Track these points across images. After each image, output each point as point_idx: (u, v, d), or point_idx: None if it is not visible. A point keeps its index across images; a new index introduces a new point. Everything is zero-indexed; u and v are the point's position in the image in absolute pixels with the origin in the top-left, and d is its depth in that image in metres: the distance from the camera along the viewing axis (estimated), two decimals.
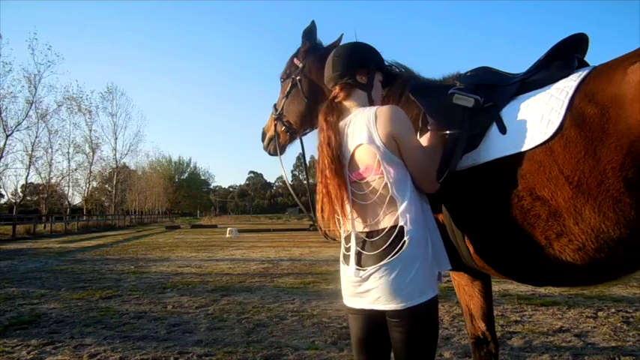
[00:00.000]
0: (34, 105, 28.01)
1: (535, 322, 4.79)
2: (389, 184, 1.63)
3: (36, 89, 27.83)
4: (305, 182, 2.81)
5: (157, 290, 6.96)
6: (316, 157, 1.86)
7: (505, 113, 1.78)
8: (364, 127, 1.68)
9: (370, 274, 1.62)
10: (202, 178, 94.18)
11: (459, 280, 2.17)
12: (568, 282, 1.84)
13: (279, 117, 2.58)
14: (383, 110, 1.68)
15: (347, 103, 1.83)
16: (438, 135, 1.84)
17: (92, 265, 10.31)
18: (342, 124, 1.78)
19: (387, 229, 1.63)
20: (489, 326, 2.12)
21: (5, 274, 9.03)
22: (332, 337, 4.31)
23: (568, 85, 1.66)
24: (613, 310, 5.21)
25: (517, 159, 1.67)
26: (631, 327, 4.52)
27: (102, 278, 8.30)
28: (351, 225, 1.71)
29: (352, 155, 1.71)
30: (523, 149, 1.65)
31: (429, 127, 1.89)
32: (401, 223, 1.61)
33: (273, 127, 2.62)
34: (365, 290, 1.64)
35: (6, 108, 25.99)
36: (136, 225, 43.49)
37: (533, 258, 1.69)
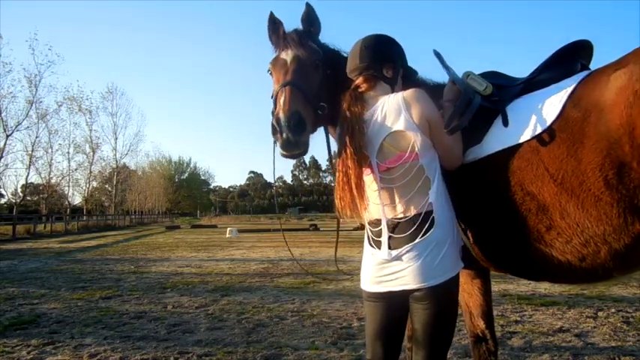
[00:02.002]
0: (34, 105, 28.01)
1: (535, 322, 4.79)
2: (424, 166, 1.69)
3: (36, 89, 27.84)
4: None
5: (157, 290, 6.96)
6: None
7: (508, 110, 1.85)
8: (398, 114, 1.71)
9: (402, 255, 1.67)
10: (202, 178, 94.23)
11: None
12: (563, 277, 1.89)
13: (320, 108, 2.02)
14: (410, 94, 1.74)
15: (369, 95, 1.85)
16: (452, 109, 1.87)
17: (92, 265, 10.31)
18: (367, 114, 1.79)
19: (417, 211, 1.68)
20: (488, 324, 2.14)
21: (5, 274, 9.03)
22: (332, 337, 4.31)
23: (565, 87, 1.73)
24: (613, 310, 5.21)
25: (510, 155, 1.76)
26: (631, 327, 4.52)
27: (102, 278, 8.30)
28: (381, 211, 1.74)
29: (382, 144, 1.73)
30: (519, 142, 1.74)
31: (442, 102, 1.93)
32: (431, 203, 1.68)
33: (313, 119, 1.99)
34: (394, 272, 1.68)
35: (6, 108, 25.98)
36: (136, 225, 43.50)
37: (527, 250, 1.77)
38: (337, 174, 1.81)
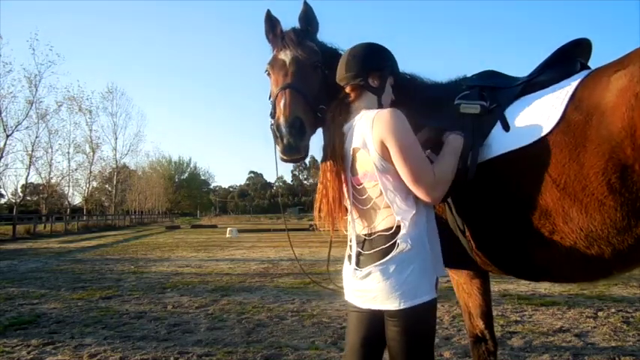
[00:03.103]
0: (34, 105, 27.95)
1: (535, 322, 4.79)
2: (383, 191, 1.64)
3: (36, 89, 27.74)
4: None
5: (157, 290, 6.96)
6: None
7: (507, 113, 1.83)
8: (363, 131, 1.68)
9: (367, 274, 1.64)
10: (202, 178, 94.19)
11: (458, 279, 2.19)
12: (565, 278, 1.89)
13: (320, 110, 1.99)
14: (381, 115, 1.66)
15: (356, 105, 1.82)
16: (451, 144, 1.82)
17: (92, 265, 10.31)
18: (346, 126, 1.78)
19: (384, 231, 1.65)
20: (488, 325, 2.13)
21: (5, 274, 9.03)
22: (332, 337, 4.31)
23: (566, 88, 1.72)
24: (613, 310, 5.21)
25: (511, 159, 1.73)
26: (631, 327, 4.52)
27: (102, 278, 8.31)
28: (351, 226, 1.74)
29: (353, 159, 1.72)
30: (521, 145, 1.71)
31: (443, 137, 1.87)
32: (398, 226, 1.62)
33: (313, 122, 1.97)
34: (363, 289, 1.67)
35: (6, 108, 25.92)
36: (136, 225, 43.50)
37: (530, 253, 1.76)
38: (318, 185, 1.79)
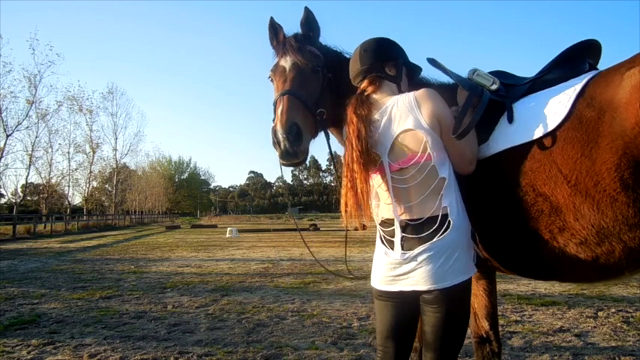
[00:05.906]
0: (34, 105, 27.95)
1: (535, 322, 4.79)
2: (437, 167, 1.67)
3: (36, 89, 27.76)
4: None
5: (157, 290, 6.96)
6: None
7: (514, 108, 1.84)
8: (409, 113, 1.70)
9: (414, 256, 1.65)
10: (202, 178, 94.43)
11: None
12: (573, 276, 1.88)
13: (319, 114, 2.05)
14: (422, 94, 1.72)
15: (376, 96, 1.84)
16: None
17: (92, 265, 10.31)
18: (376, 115, 1.78)
19: (431, 213, 1.67)
20: (493, 325, 2.13)
21: (5, 274, 9.03)
22: (332, 337, 4.31)
23: (574, 86, 1.72)
24: (613, 310, 5.21)
25: (520, 155, 1.73)
26: (631, 327, 4.52)
27: (102, 278, 8.30)
28: (394, 211, 1.73)
29: (394, 143, 1.72)
30: (528, 140, 1.71)
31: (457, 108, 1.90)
32: (445, 206, 1.66)
33: (313, 125, 2.03)
34: (406, 272, 1.67)
35: (6, 108, 25.91)
36: (136, 225, 43.52)
37: (539, 251, 1.75)
38: (343, 180, 1.80)
